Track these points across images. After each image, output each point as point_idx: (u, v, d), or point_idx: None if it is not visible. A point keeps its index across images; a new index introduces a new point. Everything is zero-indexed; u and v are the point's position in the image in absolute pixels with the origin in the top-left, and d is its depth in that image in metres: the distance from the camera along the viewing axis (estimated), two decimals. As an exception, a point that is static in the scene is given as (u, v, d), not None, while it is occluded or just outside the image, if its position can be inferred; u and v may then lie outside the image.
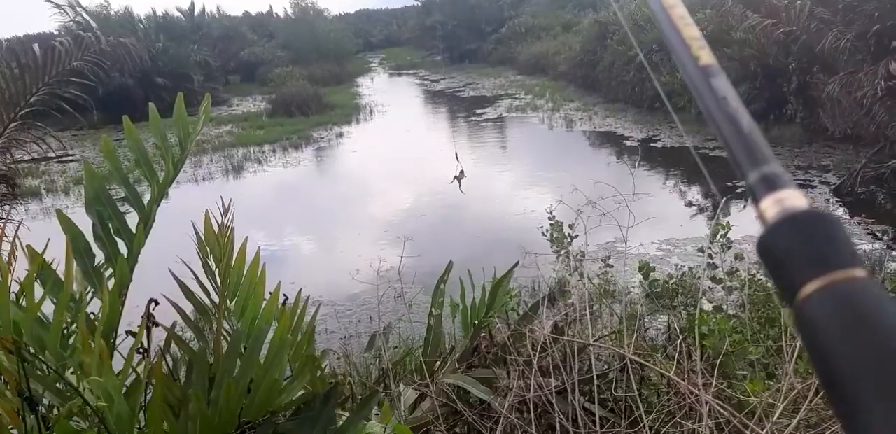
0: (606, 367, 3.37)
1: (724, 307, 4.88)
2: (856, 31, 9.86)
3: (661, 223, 8.47)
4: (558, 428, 2.83)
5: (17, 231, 2.12)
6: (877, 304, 0.29)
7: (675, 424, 2.69)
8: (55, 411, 1.81)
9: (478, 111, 22.02)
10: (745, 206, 9.18)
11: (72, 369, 1.79)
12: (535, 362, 3.02)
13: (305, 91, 24.87)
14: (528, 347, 3.21)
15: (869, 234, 8.74)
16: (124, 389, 1.72)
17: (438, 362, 3.27)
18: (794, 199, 0.34)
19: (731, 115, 0.37)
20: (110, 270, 2.09)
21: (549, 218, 5.76)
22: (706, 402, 2.58)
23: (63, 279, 1.86)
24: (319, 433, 1.90)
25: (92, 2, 28.00)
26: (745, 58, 13.39)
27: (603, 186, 4.88)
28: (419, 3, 46.94)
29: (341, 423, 1.99)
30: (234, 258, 2.13)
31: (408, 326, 5.45)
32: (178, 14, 35.67)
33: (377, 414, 2.25)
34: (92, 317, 1.91)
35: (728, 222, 5.10)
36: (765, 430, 2.43)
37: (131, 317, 2.19)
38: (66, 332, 1.91)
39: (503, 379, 3.13)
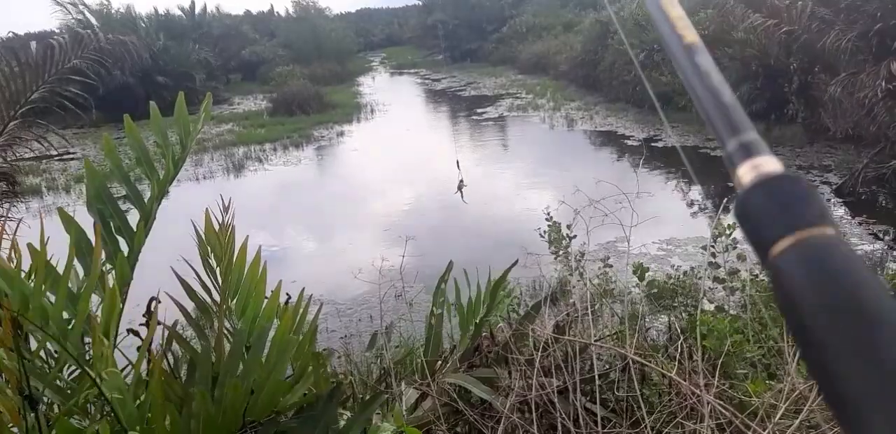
0: (608, 367, 3.37)
1: (726, 307, 4.87)
2: (858, 30, 9.85)
3: (662, 223, 8.46)
4: (560, 428, 2.82)
5: (16, 228, 2.12)
6: (845, 260, 0.30)
7: (676, 425, 2.68)
8: (56, 409, 1.81)
9: (479, 110, 22.02)
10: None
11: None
12: (536, 362, 3.01)
13: (306, 90, 24.90)
14: (530, 347, 3.20)
15: (870, 234, 8.73)
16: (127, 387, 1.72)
17: (440, 362, 3.26)
18: (769, 164, 0.35)
19: (713, 89, 0.38)
20: (111, 268, 2.08)
21: (547, 219, 5.75)
22: (708, 403, 2.58)
23: (69, 276, 1.85)
24: (322, 432, 1.90)
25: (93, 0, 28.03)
26: (746, 58, 13.36)
27: (603, 186, 4.87)
28: (420, 3, 46.94)
29: (343, 422, 1.98)
30: (234, 257, 2.12)
31: (409, 325, 5.44)
32: (180, 13, 35.73)
33: (378, 413, 2.24)
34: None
35: (732, 223, 5.09)
36: (766, 431, 2.42)
37: (132, 315, 2.18)
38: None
39: (504, 378, 3.12)
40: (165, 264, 2.40)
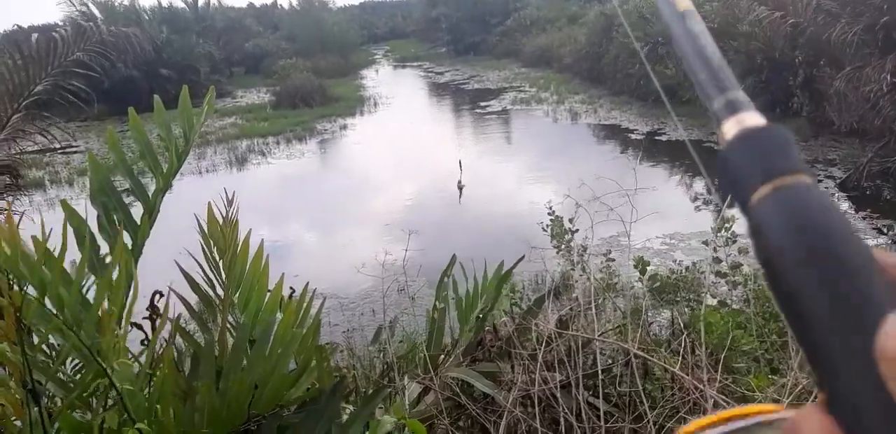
0: (611, 361, 3.36)
1: (729, 302, 4.86)
2: (864, 23, 9.79)
3: (666, 217, 8.45)
4: (562, 422, 2.82)
5: (19, 221, 2.12)
6: (820, 206, 0.30)
7: (679, 419, 2.68)
8: (58, 402, 1.81)
9: (482, 104, 21.96)
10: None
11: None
12: (539, 356, 3.01)
13: (310, 83, 24.85)
14: (533, 341, 3.20)
15: (874, 228, 8.71)
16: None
17: (442, 356, 3.26)
18: (752, 119, 0.35)
19: (701, 49, 0.39)
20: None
21: (549, 213, 5.74)
22: (711, 398, 2.58)
23: (85, 266, 1.86)
24: (325, 426, 1.90)
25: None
26: (751, 51, 13.30)
27: (607, 180, 4.85)
28: (424, -5, 46.81)
29: (346, 416, 1.99)
30: (237, 250, 2.12)
31: (411, 320, 5.45)
32: (183, 5, 35.66)
33: (380, 407, 2.25)
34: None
35: (734, 216, 5.08)
36: (770, 426, 2.41)
37: (135, 309, 2.18)
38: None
39: (507, 373, 3.13)
40: (168, 258, 2.40)
